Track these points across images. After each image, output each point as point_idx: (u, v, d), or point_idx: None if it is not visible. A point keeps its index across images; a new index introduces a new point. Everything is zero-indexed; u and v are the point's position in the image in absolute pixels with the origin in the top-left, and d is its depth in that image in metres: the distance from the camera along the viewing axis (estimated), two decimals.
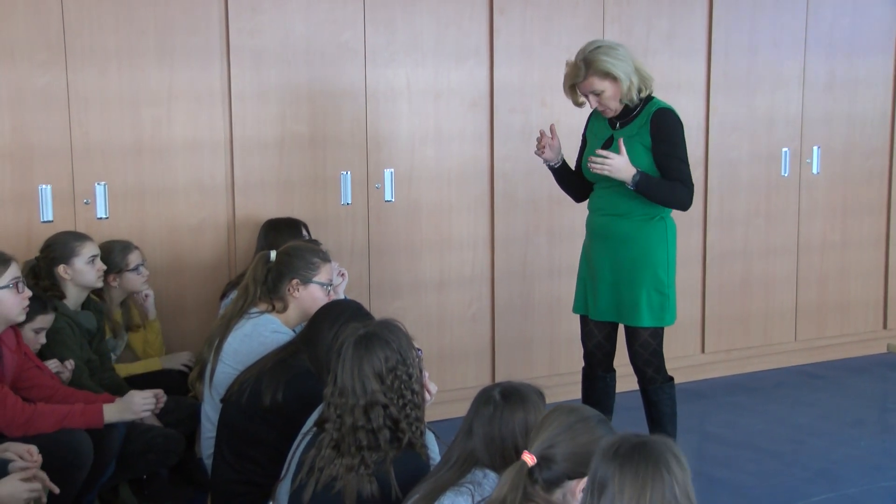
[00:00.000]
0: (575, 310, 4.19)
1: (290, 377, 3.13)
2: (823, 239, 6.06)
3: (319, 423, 2.73)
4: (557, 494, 2.19)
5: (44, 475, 2.94)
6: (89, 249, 3.86)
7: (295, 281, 3.50)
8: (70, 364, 3.65)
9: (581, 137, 4.16)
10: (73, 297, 3.85)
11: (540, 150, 4.01)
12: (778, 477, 4.32)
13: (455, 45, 4.93)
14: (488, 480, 2.38)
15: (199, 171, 4.46)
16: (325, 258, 3.61)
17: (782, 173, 5.85)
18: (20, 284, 3.38)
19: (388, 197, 4.85)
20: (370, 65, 4.76)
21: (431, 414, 2.95)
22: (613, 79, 3.79)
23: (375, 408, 2.58)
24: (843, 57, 5.95)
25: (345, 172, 4.75)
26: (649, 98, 3.91)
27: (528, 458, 2.19)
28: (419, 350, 2.73)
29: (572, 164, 4.14)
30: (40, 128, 4.15)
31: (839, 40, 5.93)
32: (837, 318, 6.17)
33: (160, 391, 3.52)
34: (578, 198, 4.18)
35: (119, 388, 3.77)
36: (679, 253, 4.07)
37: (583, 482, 2.15)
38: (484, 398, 2.46)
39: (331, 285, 3.61)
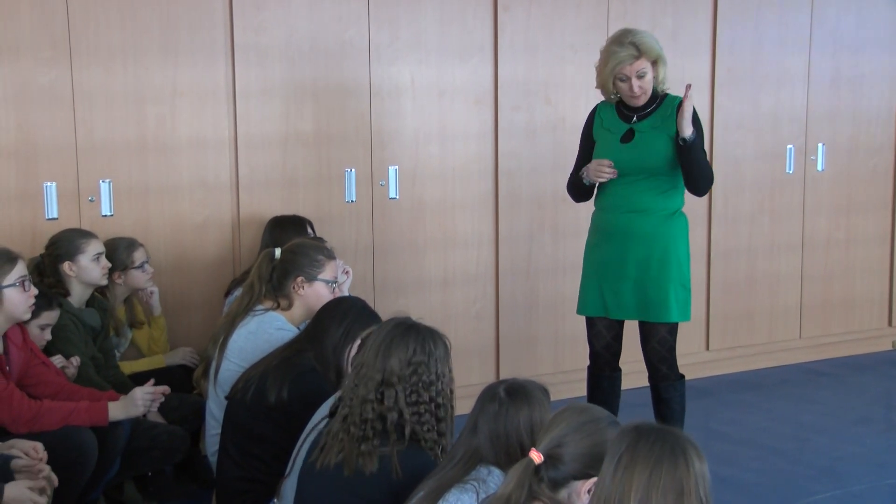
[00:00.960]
0: (580, 311, 4.14)
1: (295, 375, 3.13)
2: (828, 236, 6.05)
3: (332, 413, 2.74)
4: (563, 494, 2.18)
5: (48, 470, 2.95)
6: (95, 247, 3.87)
7: (300, 278, 3.51)
8: (75, 360, 3.65)
9: (581, 139, 4.13)
10: (78, 295, 3.85)
11: (595, 178, 3.92)
12: (782, 474, 4.32)
13: (459, 43, 4.93)
14: (493, 477, 2.39)
15: (204, 168, 4.46)
16: (330, 256, 3.61)
17: (787, 170, 5.85)
18: (27, 282, 3.38)
19: (392, 194, 4.85)
20: (374, 62, 4.75)
21: None
22: (655, 63, 3.84)
23: (389, 388, 2.59)
24: (848, 54, 5.94)
25: (349, 170, 4.75)
26: (664, 93, 3.94)
27: (536, 456, 2.18)
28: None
29: (571, 165, 4.13)
30: (45, 125, 4.15)
31: (844, 37, 5.91)
32: (842, 315, 6.17)
33: (166, 387, 3.51)
34: (583, 199, 4.18)
35: (124, 385, 3.77)
36: None
37: (588, 483, 2.15)
38: (489, 395, 2.47)
39: (335, 283, 3.61)
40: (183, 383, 4.05)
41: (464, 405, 2.64)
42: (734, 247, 5.76)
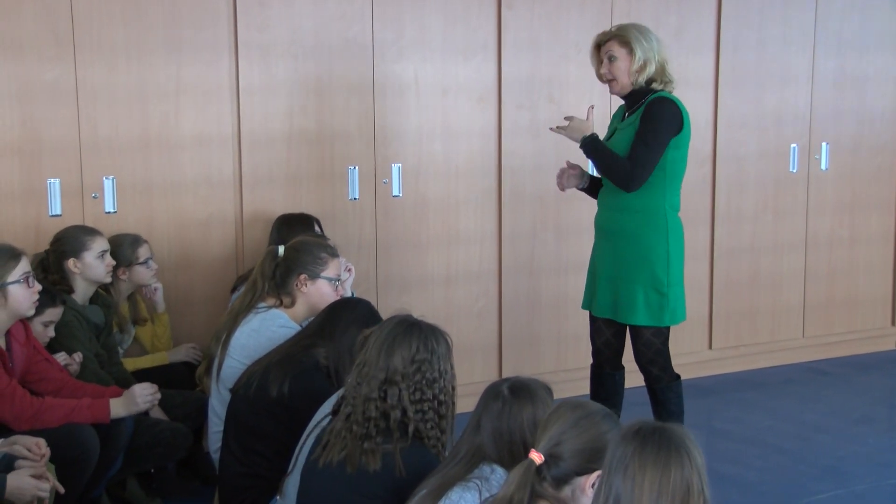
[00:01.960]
0: (583, 305, 4.17)
1: (298, 372, 3.13)
2: (831, 235, 6.04)
3: (335, 411, 2.74)
4: (566, 491, 2.19)
5: (51, 473, 2.95)
6: (99, 244, 3.87)
7: (303, 276, 3.51)
8: (78, 357, 3.66)
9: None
10: (82, 292, 3.86)
11: (560, 187, 4.05)
12: (785, 473, 4.32)
13: (463, 41, 4.93)
14: (496, 475, 2.39)
15: (207, 165, 4.47)
16: (333, 253, 3.61)
17: (791, 169, 5.84)
18: (31, 279, 3.39)
19: (395, 192, 4.85)
20: (378, 60, 4.75)
21: None
22: (630, 51, 3.83)
23: (392, 386, 2.59)
24: (852, 53, 5.93)
25: (352, 167, 4.75)
26: (653, 90, 3.89)
27: (536, 457, 2.19)
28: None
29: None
30: (49, 122, 4.16)
31: (848, 36, 5.91)
32: (845, 314, 6.16)
33: (155, 385, 3.51)
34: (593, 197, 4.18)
35: (127, 382, 3.77)
36: (686, 249, 4.03)
37: (591, 478, 2.16)
38: (492, 393, 2.47)
39: (338, 280, 3.61)
40: (186, 380, 4.06)
41: (466, 403, 2.64)
42: (737, 246, 5.75)
